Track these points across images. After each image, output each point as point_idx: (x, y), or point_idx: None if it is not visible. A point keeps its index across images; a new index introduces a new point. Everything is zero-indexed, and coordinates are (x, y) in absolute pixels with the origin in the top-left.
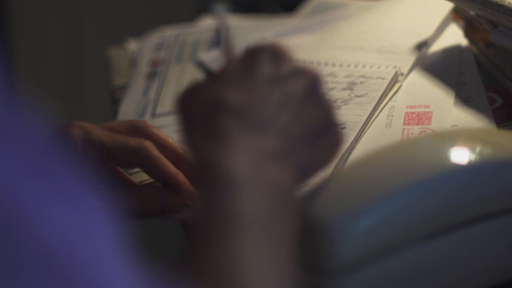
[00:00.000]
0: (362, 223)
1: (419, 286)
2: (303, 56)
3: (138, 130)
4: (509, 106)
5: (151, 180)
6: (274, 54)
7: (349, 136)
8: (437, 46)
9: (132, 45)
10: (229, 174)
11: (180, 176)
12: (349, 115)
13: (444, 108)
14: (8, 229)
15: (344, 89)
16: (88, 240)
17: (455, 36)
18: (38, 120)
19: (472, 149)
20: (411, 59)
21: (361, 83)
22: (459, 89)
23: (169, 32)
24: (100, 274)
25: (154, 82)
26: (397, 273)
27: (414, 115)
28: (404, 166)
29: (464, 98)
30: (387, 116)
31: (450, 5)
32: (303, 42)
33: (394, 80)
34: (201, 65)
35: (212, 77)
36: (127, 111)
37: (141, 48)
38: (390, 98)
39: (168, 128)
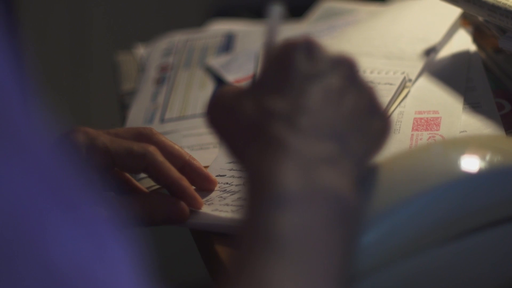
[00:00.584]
0: (372, 232)
1: None
2: None
3: (144, 137)
4: None
5: (157, 186)
6: (307, 49)
7: None
8: (446, 52)
9: (141, 50)
10: (279, 188)
11: (184, 181)
12: None
13: (453, 114)
14: (12, 244)
15: None
16: (96, 256)
17: (463, 42)
18: (46, 126)
19: (481, 157)
20: (419, 65)
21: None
22: (467, 95)
23: (178, 37)
24: None
25: (163, 88)
26: (407, 280)
27: (422, 121)
28: (413, 175)
29: (473, 104)
30: (396, 122)
31: (459, 11)
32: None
33: (402, 86)
34: (210, 70)
35: (251, 84)
36: (136, 116)
37: (150, 53)
38: (399, 104)
39: (177, 134)
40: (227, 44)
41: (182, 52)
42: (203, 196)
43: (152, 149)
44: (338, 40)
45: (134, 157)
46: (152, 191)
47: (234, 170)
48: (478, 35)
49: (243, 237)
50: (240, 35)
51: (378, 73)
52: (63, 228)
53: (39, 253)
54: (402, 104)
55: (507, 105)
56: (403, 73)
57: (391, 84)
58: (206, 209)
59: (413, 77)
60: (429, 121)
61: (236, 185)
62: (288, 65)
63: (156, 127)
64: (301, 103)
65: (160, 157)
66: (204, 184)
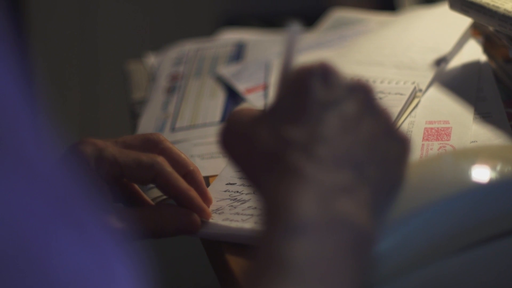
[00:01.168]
0: (383, 242)
1: None
2: None
3: (151, 143)
4: None
5: (164, 197)
6: (323, 75)
7: None
8: (456, 61)
9: (151, 59)
10: (295, 215)
11: (192, 192)
12: None
13: (463, 124)
14: (15, 259)
15: None
16: (99, 273)
17: (474, 51)
18: (53, 137)
19: (492, 167)
20: (429, 74)
21: (380, 98)
22: (478, 105)
23: (188, 47)
24: None
25: (173, 97)
26: None
27: (433, 130)
28: (424, 185)
29: (483, 114)
30: (406, 131)
31: (469, 21)
32: (322, 57)
33: (413, 96)
34: (220, 79)
35: (266, 110)
36: (147, 125)
37: (160, 62)
38: (409, 114)
39: (188, 143)
40: (238, 53)
41: (192, 61)
42: (213, 205)
43: (161, 159)
44: (348, 50)
45: (142, 167)
46: (162, 203)
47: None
48: (488, 45)
49: (258, 260)
50: (251, 44)
51: (388, 83)
52: (68, 244)
53: (42, 269)
54: (413, 114)
55: None
56: (413, 83)
57: (401, 94)
58: (216, 218)
59: (423, 87)
60: (440, 131)
61: (247, 194)
62: (304, 92)
63: (167, 136)
64: (318, 131)
65: (168, 168)
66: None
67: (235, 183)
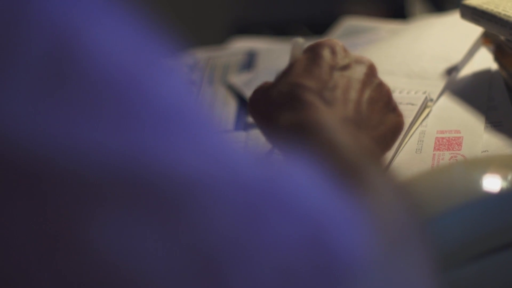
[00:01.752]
0: None
1: None
2: None
3: None
4: None
5: None
6: (332, 48)
7: None
8: (467, 70)
9: None
10: (319, 123)
11: None
12: None
13: (474, 133)
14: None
15: None
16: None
17: (485, 60)
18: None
19: (503, 176)
20: (441, 84)
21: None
22: (489, 114)
23: (200, 55)
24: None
25: None
26: None
27: (444, 140)
28: (435, 195)
29: (494, 123)
30: (418, 141)
31: (480, 30)
32: None
33: (424, 105)
34: (231, 88)
35: (282, 73)
36: None
37: None
38: (420, 123)
39: None
40: (249, 62)
41: (204, 69)
42: None
43: None
44: None
45: None
46: None
47: None
48: (499, 54)
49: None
50: (262, 53)
51: (399, 92)
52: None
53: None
54: (424, 123)
55: None
56: (424, 92)
57: (412, 104)
58: None
59: (434, 97)
60: (451, 141)
61: None
62: (316, 57)
63: None
64: (327, 83)
65: None
66: None
67: None
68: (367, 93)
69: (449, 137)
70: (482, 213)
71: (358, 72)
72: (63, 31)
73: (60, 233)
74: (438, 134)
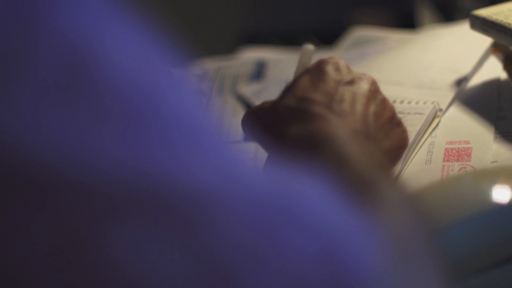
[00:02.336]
0: None
1: None
2: None
3: None
4: None
5: None
6: (335, 64)
7: None
8: (476, 80)
9: None
10: (328, 134)
11: None
12: None
13: (484, 144)
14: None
15: None
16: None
17: (494, 70)
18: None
19: None
20: (450, 94)
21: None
22: (498, 124)
23: (209, 65)
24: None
25: None
26: None
27: (454, 151)
28: (444, 206)
29: (504, 133)
30: (427, 152)
31: (489, 40)
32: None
33: (433, 115)
34: (241, 98)
35: (286, 89)
36: None
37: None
38: (430, 134)
39: None
40: (258, 72)
41: (213, 79)
42: None
43: None
44: (368, 69)
45: None
46: None
47: None
48: (508, 64)
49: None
50: (271, 63)
51: (408, 102)
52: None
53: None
54: (433, 134)
55: None
56: (433, 102)
57: (421, 113)
58: None
59: (443, 107)
60: (460, 152)
61: None
62: (321, 72)
63: None
64: (334, 96)
65: None
66: None
67: None
68: (372, 108)
69: (458, 148)
70: (491, 224)
71: (363, 87)
72: (75, 43)
73: (75, 246)
74: (448, 145)
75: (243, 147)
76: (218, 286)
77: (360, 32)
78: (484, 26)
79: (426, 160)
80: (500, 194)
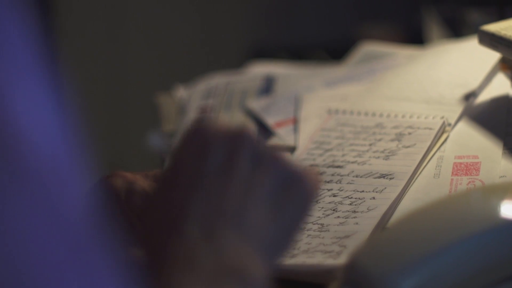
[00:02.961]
0: (411, 280)
1: None
2: (350, 106)
3: None
4: None
5: None
6: (200, 141)
7: (397, 186)
8: (485, 96)
9: (181, 92)
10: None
11: None
12: (397, 165)
13: (493, 159)
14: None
15: (392, 140)
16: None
17: (502, 86)
18: (82, 170)
19: None
20: (458, 109)
21: (409, 133)
22: (507, 140)
23: (218, 80)
24: None
25: None
26: None
27: (462, 165)
28: (453, 221)
29: None
30: (436, 166)
31: (498, 55)
32: (351, 91)
33: (442, 130)
34: (249, 113)
35: (160, 177)
36: None
37: (190, 95)
38: (438, 148)
39: None
40: (267, 87)
41: (222, 94)
42: None
43: None
44: (377, 85)
45: None
46: None
47: None
48: None
49: None
50: (280, 78)
51: (417, 117)
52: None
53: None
54: (442, 148)
55: None
56: (442, 117)
57: (430, 128)
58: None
59: (452, 122)
60: (469, 166)
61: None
62: (185, 164)
63: None
64: (211, 199)
65: None
66: None
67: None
68: (256, 187)
69: (467, 162)
70: (500, 240)
71: (237, 162)
72: None
73: None
74: (456, 159)
75: None
76: None
77: (369, 48)
78: (493, 41)
79: (434, 174)
80: (509, 209)
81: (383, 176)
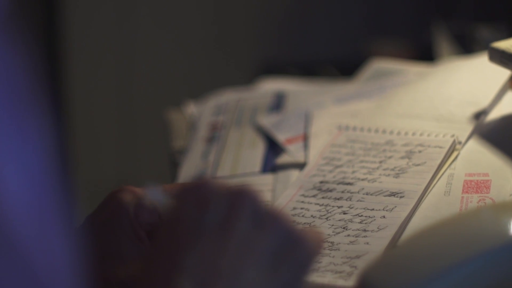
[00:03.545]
0: None
1: None
2: (361, 123)
3: None
4: None
5: None
6: (201, 196)
7: (408, 205)
8: (495, 114)
9: (191, 107)
10: None
11: None
12: (407, 184)
13: (503, 177)
14: None
15: (402, 158)
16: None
17: None
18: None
19: None
20: (469, 127)
21: (419, 151)
22: None
23: (228, 96)
24: None
25: (213, 146)
26: None
27: (473, 183)
28: (463, 239)
29: None
30: (446, 184)
31: (508, 73)
32: (361, 108)
33: (452, 149)
34: (260, 129)
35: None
36: (187, 174)
37: (201, 111)
38: (449, 166)
39: None
40: (278, 103)
41: (233, 111)
42: None
43: None
44: (388, 102)
45: None
46: None
47: None
48: None
49: None
50: (291, 95)
51: (428, 135)
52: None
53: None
54: (452, 166)
55: None
56: (452, 136)
57: (441, 147)
58: None
59: (463, 140)
60: (479, 184)
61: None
62: (184, 217)
63: None
64: (209, 258)
65: None
66: None
67: None
68: (257, 250)
69: (477, 180)
70: (510, 257)
71: (241, 224)
72: None
73: None
74: (467, 177)
75: (260, 178)
76: None
77: (379, 64)
78: (503, 58)
79: (445, 192)
80: None
81: (393, 194)
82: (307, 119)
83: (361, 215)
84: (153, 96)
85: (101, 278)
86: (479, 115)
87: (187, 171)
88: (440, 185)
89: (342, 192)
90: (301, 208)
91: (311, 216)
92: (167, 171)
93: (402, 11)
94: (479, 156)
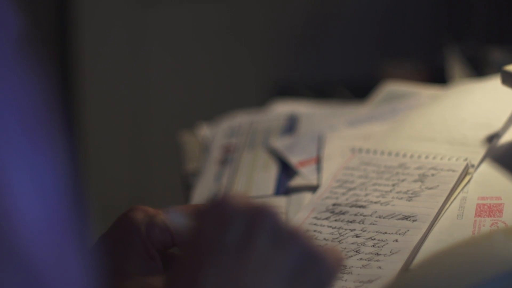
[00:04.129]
0: None
1: None
2: (374, 145)
3: None
4: None
5: None
6: (222, 214)
7: (420, 228)
8: (508, 137)
9: (204, 130)
10: None
11: None
12: (420, 207)
13: None
14: None
15: (415, 181)
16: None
17: None
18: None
19: None
20: (482, 151)
21: (432, 175)
22: None
23: (241, 119)
24: None
25: (227, 168)
26: None
27: (485, 207)
28: (476, 263)
29: None
30: (459, 207)
31: None
32: (374, 130)
33: (465, 173)
34: (273, 152)
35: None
36: (200, 197)
37: (214, 133)
38: (462, 190)
39: None
40: (290, 125)
41: (246, 133)
42: None
43: None
44: (401, 125)
45: None
46: None
47: None
48: None
49: None
50: (304, 117)
51: (440, 159)
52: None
53: None
54: (465, 189)
55: None
56: (465, 159)
57: (453, 170)
58: None
59: (475, 163)
60: (492, 207)
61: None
62: (204, 236)
63: None
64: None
65: None
66: None
67: None
68: (278, 267)
69: (490, 204)
70: None
71: (260, 243)
72: None
73: None
74: (479, 201)
75: (273, 201)
76: None
77: (392, 87)
78: None
79: (458, 215)
80: None
81: (406, 218)
82: (320, 142)
83: (374, 239)
84: (167, 119)
85: None
86: (491, 138)
87: (200, 193)
88: (452, 208)
89: (355, 215)
90: (314, 231)
91: (324, 239)
92: (180, 193)
93: (414, 33)
94: (491, 180)
